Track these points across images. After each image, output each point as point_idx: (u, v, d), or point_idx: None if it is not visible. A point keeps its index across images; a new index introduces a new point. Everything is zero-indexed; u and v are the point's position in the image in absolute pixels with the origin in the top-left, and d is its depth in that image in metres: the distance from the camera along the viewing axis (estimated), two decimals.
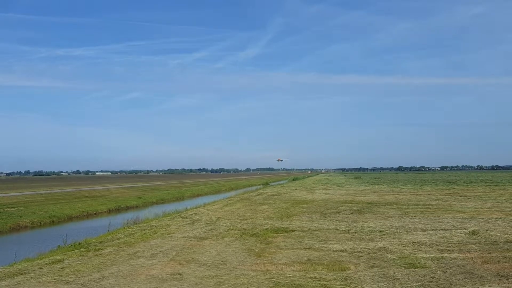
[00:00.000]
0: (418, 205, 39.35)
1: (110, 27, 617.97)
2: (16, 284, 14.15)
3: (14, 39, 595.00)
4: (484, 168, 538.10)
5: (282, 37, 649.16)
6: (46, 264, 17.40)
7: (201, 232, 24.54)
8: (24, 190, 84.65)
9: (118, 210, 58.45)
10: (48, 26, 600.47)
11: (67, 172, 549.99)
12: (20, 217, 43.70)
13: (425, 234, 22.30)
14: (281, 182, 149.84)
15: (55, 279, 14.70)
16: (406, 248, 18.84)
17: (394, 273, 14.43)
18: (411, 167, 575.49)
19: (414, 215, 31.11)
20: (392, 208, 36.31)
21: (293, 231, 24.22)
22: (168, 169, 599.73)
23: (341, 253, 17.93)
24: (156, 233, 24.89)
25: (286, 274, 14.57)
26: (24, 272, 15.92)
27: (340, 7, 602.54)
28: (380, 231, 23.69)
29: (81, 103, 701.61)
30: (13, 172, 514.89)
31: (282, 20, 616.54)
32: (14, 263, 18.70)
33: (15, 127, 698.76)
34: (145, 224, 30.25)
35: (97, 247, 20.86)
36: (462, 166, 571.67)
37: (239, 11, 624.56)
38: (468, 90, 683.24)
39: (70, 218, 48.34)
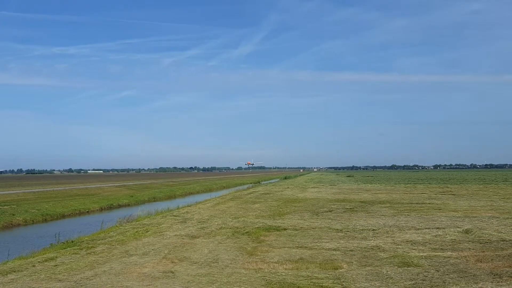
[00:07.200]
0: (411, 203, 39.41)
1: (104, 25, 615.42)
2: (9, 282, 14.08)
3: (9, 37, 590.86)
4: (478, 166, 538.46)
5: (276, 34, 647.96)
6: (39, 261, 17.33)
7: (193, 231, 24.48)
8: (16, 188, 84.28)
9: (110, 208, 58.27)
10: (43, 24, 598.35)
11: (59, 170, 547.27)
12: (13, 215, 43.51)
13: (418, 233, 22.32)
14: (273, 180, 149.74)
15: (48, 276, 14.64)
16: (399, 246, 18.85)
17: (387, 271, 14.43)
18: (404, 166, 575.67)
19: (407, 213, 31.15)
20: (385, 207, 36.35)
21: (285, 229, 24.20)
22: (160, 168, 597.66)
23: (334, 252, 17.92)
24: (148, 231, 24.82)
25: (278, 272, 14.53)
26: (17, 270, 15.85)
27: (335, 4, 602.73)
28: (373, 229, 23.70)
29: (75, 101, 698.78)
30: (6, 171, 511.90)
31: (276, 17, 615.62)
32: (7, 261, 18.61)
33: (8, 125, 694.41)
34: (137, 222, 30.14)
35: (89, 245, 20.78)
36: (456, 164, 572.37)
37: (233, 8, 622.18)
38: (463, 88, 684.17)
39: (63, 216, 48.13)
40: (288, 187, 75.63)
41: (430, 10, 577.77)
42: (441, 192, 56.72)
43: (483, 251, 17.62)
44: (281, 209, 35.62)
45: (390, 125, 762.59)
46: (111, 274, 14.70)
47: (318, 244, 19.59)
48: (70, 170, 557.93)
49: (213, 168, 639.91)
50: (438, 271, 14.44)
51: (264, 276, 13.99)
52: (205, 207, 39.62)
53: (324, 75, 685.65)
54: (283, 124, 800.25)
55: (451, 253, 17.31)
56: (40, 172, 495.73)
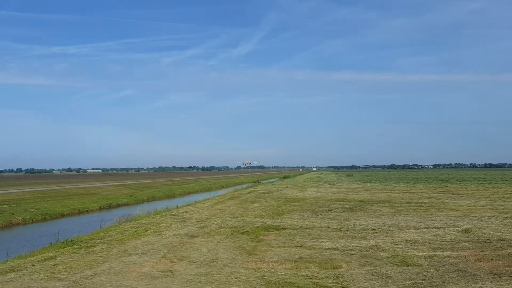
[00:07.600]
0: (410, 203, 39.38)
1: (104, 25, 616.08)
2: (8, 281, 14.06)
3: (8, 37, 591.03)
4: (477, 166, 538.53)
5: (275, 34, 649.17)
6: (38, 261, 17.31)
7: (192, 230, 24.45)
8: (16, 187, 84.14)
9: (109, 207, 58.28)
10: (43, 23, 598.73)
11: (58, 170, 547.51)
12: (12, 214, 43.50)
13: (417, 232, 22.31)
14: (272, 180, 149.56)
15: (47, 276, 14.62)
16: (399, 246, 18.83)
17: (387, 271, 14.41)
18: (404, 165, 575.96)
19: (406, 213, 31.13)
20: (384, 206, 36.33)
21: (284, 229, 24.17)
22: (159, 167, 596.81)
23: (333, 251, 17.90)
24: (147, 230, 24.79)
25: (277, 272, 14.51)
26: (16, 269, 15.84)
27: (334, 3, 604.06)
28: (373, 229, 23.67)
29: (74, 100, 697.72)
30: (5, 170, 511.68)
31: (275, 17, 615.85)
32: (7, 260, 18.63)
33: (7, 125, 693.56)
34: (136, 221, 30.11)
35: (89, 244, 20.76)
36: (455, 164, 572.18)
37: (232, 8, 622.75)
38: (463, 88, 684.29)
39: (62, 216, 48.12)
40: (287, 187, 75.55)
41: (430, 10, 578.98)
42: (440, 191, 56.69)
43: (483, 251, 17.61)
44: (280, 209, 35.59)
45: (390, 125, 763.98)
46: (110, 274, 14.68)
47: (318, 244, 19.56)
48: (69, 170, 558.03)
49: (212, 168, 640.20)
50: (437, 270, 14.42)
51: (263, 276, 13.97)
52: (204, 207, 39.57)
53: (323, 75, 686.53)
54: (282, 124, 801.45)
55: (450, 253, 17.30)
56: (40, 171, 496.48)
